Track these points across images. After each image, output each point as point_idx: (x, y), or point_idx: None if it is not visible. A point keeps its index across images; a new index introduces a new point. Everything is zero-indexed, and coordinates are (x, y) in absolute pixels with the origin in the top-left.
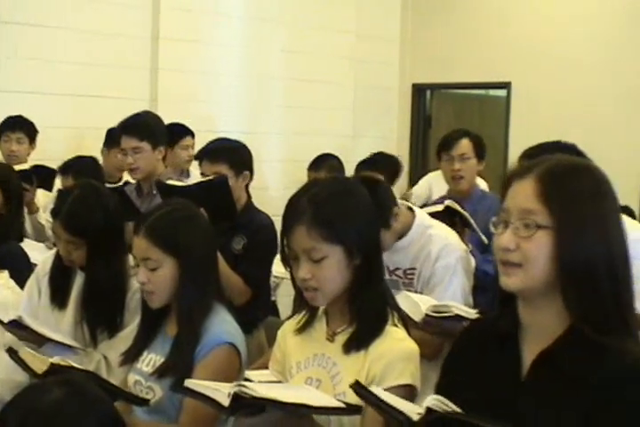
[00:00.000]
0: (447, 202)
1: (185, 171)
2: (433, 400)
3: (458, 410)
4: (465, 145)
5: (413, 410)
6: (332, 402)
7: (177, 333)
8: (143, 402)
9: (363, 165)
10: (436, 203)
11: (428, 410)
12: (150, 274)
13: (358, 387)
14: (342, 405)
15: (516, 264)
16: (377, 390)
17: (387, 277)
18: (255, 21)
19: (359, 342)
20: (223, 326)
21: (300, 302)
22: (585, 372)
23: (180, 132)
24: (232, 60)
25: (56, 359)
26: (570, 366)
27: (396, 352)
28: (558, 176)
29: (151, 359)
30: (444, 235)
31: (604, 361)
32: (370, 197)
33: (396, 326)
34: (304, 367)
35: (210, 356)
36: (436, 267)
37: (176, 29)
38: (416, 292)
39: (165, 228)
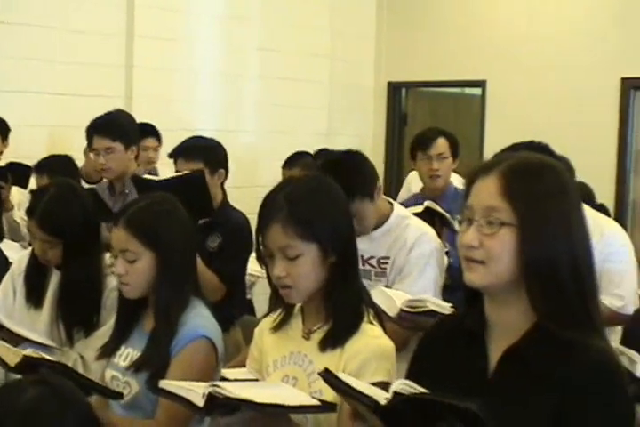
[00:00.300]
0: (427, 203)
1: (154, 170)
2: (400, 385)
3: (425, 391)
4: (442, 144)
5: (382, 395)
6: (308, 400)
7: (153, 327)
8: (117, 395)
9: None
10: (416, 203)
11: (395, 394)
12: (128, 266)
13: (326, 374)
14: (318, 403)
15: (479, 261)
16: (345, 377)
17: (359, 266)
18: (231, 19)
19: (335, 339)
20: (199, 320)
21: (276, 300)
22: (551, 368)
23: (142, 132)
24: (207, 58)
25: (29, 351)
26: (536, 362)
27: (371, 350)
28: (522, 174)
29: (128, 354)
30: (421, 226)
31: (570, 358)
32: (357, 168)
33: (371, 323)
34: (280, 365)
35: (186, 350)
36: (410, 256)
37: (151, 27)
38: (387, 282)
39: (146, 220)
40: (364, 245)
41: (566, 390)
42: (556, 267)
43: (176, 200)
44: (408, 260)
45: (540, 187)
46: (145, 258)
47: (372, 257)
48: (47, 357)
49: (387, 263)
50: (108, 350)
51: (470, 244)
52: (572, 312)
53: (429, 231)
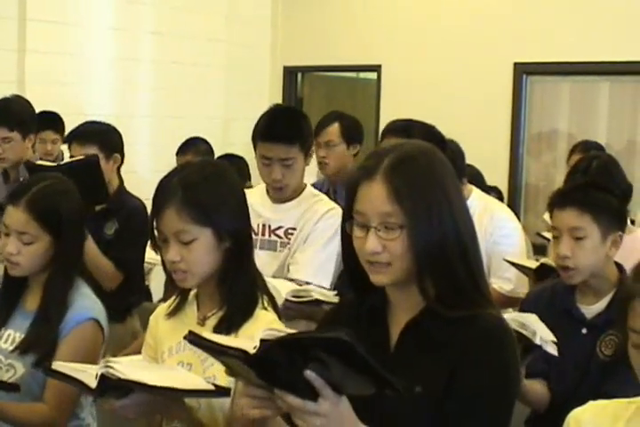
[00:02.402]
0: None
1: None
2: (265, 331)
3: (290, 332)
4: (332, 131)
5: (251, 346)
6: (202, 384)
7: (40, 308)
8: (13, 388)
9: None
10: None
11: (262, 341)
12: (22, 247)
13: (192, 336)
14: (212, 387)
15: (385, 264)
16: (211, 336)
17: (266, 237)
18: (124, 3)
19: (229, 325)
20: (85, 301)
21: (172, 286)
22: (446, 337)
23: (41, 122)
24: (101, 41)
25: None
26: (433, 333)
27: None
28: (404, 173)
29: (9, 336)
30: (332, 203)
31: (462, 325)
32: (306, 122)
33: (265, 309)
34: (175, 352)
35: (75, 332)
36: (317, 226)
37: (44, 10)
38: (290, 251)
39: (49, 204)
40: (273, 216)
41: (459, 356)
42: (445, 253)
43: (69, 180)
44: (314, 229)
45: (420, 181)
46: (42, 241)
47: (279, 227)
48: None
49: (293, 234)
50: None
51: (374, 251)
52: (464, 293)
53: (339, 209)
